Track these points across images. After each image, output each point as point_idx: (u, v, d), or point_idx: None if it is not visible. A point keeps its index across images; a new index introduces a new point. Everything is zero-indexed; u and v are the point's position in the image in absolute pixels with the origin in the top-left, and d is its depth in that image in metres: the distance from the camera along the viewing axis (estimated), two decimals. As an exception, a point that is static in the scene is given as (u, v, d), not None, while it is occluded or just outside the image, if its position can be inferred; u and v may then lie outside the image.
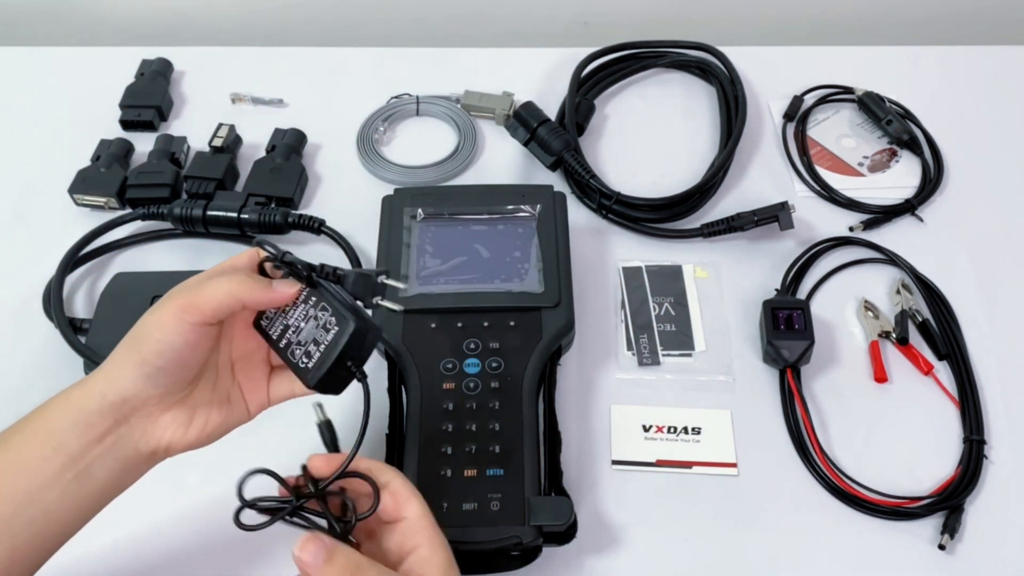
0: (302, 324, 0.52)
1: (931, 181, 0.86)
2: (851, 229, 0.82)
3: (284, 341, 0.53)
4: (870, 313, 0.76)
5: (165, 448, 0.53)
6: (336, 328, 0.51)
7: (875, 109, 0.90)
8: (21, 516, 0.49)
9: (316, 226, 0.79)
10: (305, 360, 0.52)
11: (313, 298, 0.52)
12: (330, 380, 0.52)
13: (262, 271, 0.54)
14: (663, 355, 0.74)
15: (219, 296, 0.50)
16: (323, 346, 0.51)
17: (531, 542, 0.60)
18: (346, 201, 0.85)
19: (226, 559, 0.64)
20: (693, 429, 0.70)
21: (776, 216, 0.79)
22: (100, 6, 1.08)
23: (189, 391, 0.53)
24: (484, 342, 0.69)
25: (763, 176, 0.88)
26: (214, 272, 0.53)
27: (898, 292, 0.77)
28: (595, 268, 0.80)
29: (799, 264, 0.79)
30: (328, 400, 0.54)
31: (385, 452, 0.66)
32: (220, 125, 0.88)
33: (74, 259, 0.78)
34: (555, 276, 0.72)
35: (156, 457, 0.53)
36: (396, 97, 0.93)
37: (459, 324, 0.70)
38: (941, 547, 0.64)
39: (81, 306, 0.78)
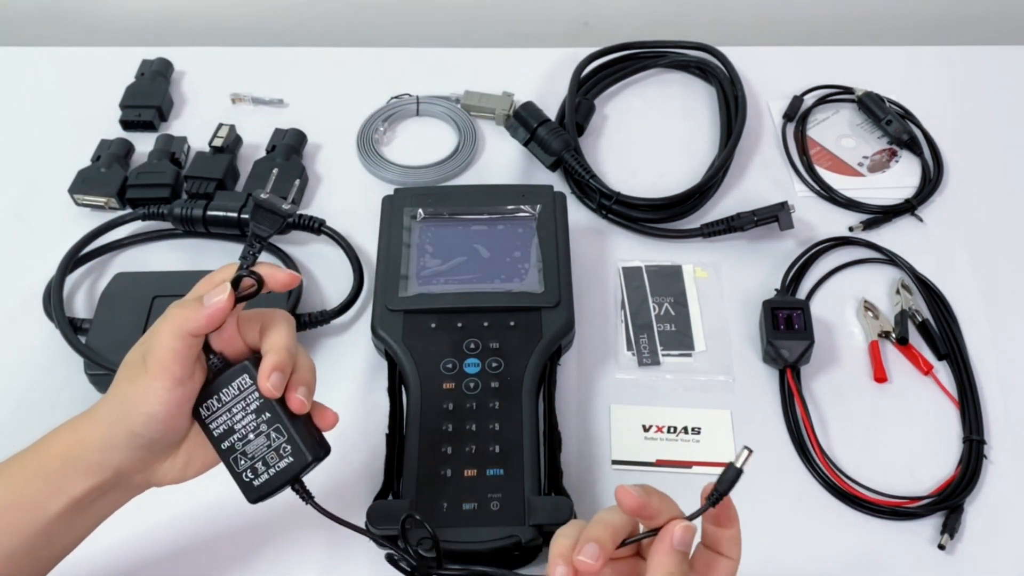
0: (251, 436, 0.51)
1: (931, 181, 0.86)
2: (851, 229, 0.82)
3: (227, 443, 0.51)
4: (870, 313, 0.76)
5: (165, 484, 0.54)
6: (291, 458, 0.51)
7: (875, 109, 0.90)
8: (25, 546, 0.51)
9: (316, 226, 0.79)
10: (250, 475, 0.51)
11: (266, 413, 0.51)
12: (267, 497, 0.52)
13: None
14: (663, 355, 0.74)
15: (168, 346, 0.49)
16: (273, 470, 0.51)
17: (531, 542, 0.60)
18: (346, 201, 0.85)
19: (222, 558, 0.64)
20: (693, 429, 0.70)
21: (776, 216, 0.79)
22: (100, 6, 1.08)
23: (187, 437, 0.53)
24: (484, 342, 0.69)
25: (763, 176, 0.88)
26: (152, 335, 0.51)
27: (898, 292, 0.77)
28: (595, 268, 0.80)
29: (799, 264, 0.79)
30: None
31: (385, 452, 0.67)
32: (220, 125, 0.88)
33: (74, 259, 0.78)
34: (555, 276, 0.72)
35: (151, 487, 0.55)
36: (396, 97, 0.93)
37: (459, 324, 0.70)
38: (941, 547, 0.64)
39: (81, 306, 0.78)
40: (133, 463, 0.51)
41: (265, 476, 0.51)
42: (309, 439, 0.51)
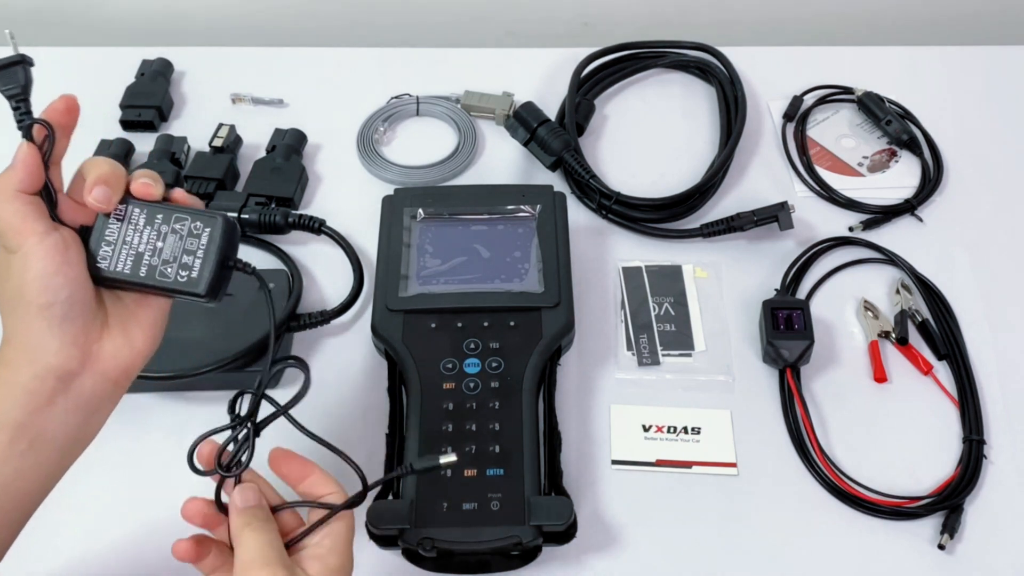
0: (159, 243, 0.50)
1: (931, 181, 0.86)
2: (851, 229, 0.82)
3: (144, 269, 0.50)
4: (870, 313, 0.76)
5: (124, 372, 0.51)
6: (207, 229, 0.50)
7: (875, 109, 0.90)
8: None
9: (316, 226, 0.79)
10: (184, 273, 0.50)
11: (158, 215, 0.50)
12: (218, 283, 0.51)
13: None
14: (663, 355, 0.74)
15: (9, 213, 0.48)
16: (201, 251, 0.50)
17: (531, 542, 0.60)
18: (346, 201, 0.85)
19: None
20: (693, 429, 0.70)
21: (776, 216, 0.79)
22: (100, 6, 1.08)
23: (108, 308, 0.51)
24: (484, 342, 0.69)
25: (763, 176, 0.88)
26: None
27: (898, 292, 0.77)
28: (595, 268, 0.80)
29: (799, 264, 0.80)
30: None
31: (385, 452, 0.67)
32: (220, 125, 0.88)
33: (74, 259, 0.78)
34: (555, 276, 0.72)
35: (120, 386, 0.51)
36: (396, 97, 0.93)
37: (459, 324, 0.70)
38: (941, 547, 0.64)
39: (81, 306, 0.78)
40: (66, 352, 0.48)
41: (198, 261, 0.50)
42: (207, 208, 0.51)
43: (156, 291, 0.51)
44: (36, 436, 0.48)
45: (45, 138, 0.50)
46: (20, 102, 0.50)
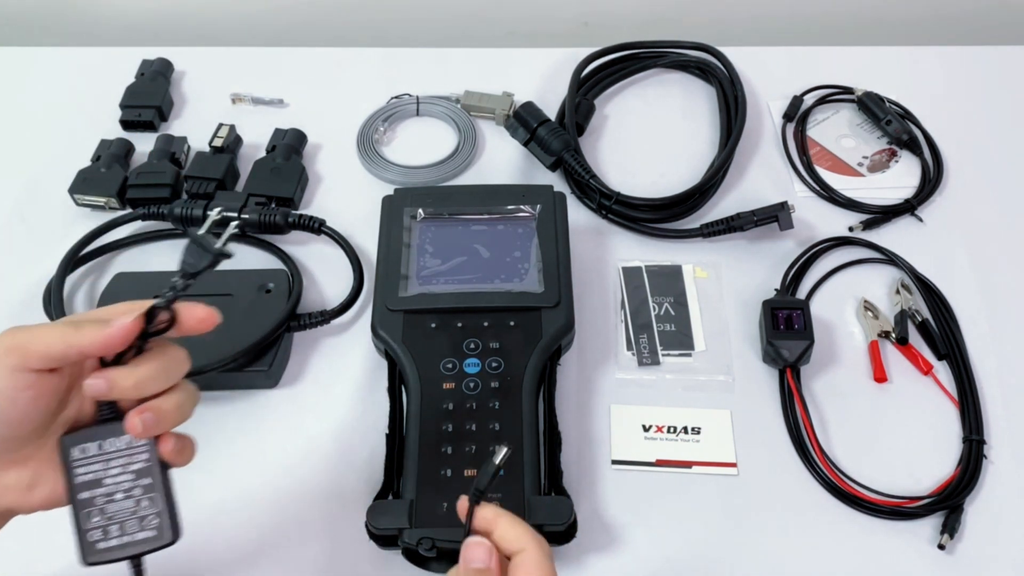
0: (119, 495, 0.47)
1: (931, 181, 0.86)
2: (851, 229, 0.82)
3: (86, 494, 0.47)
4: (870, 313, 0.76)
5: (5, 511, 0.48)
6: (153, 532, 0.47)
7: (875, 109, 0.90)
8: None
9: (316, 226, 0.79)
10: (98, 536, 0.46)
11: (148, 478, 0.47)
12: (105, 564, 0.47)
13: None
14: (663, 355, 0.74)
15: (49, 340, 0.44)
16: (126, 538, 0.47)
17: (531, 542, 0.60)
18: (346, 201, 0.85)
19: (221, 558, 0.64)
20: (693, 429, 0.70)
21: (776, 216, 0.79)
22: (100, 6, 1.08)
23: (33, 449, 0.47)
24: (484, 342, 0.69)
25: (763, 176, 0.88)
26: (79, 317, 0.47)
27: (897, 292, 0.77)
28: (595, 268, 0.80)
29: (799, 264, 0.80)
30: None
31: (385, 452, 0.67)
32: (220, 125, 0.88)
33: (74, 259, 0.78)
34: (555, 276, 0.72)
35: None
36: (396, 97, 0.93)
37: (459, 324, 0.70)
38: (941, 547, 0.64)
39: (82, 306, 0.78)
40: None
41: (115, 542, 0.46)
42: (177, 518, 0.48)
43: (72, 514, 0.47)
44: None
45: (156, 331, 0.46)
46: (186, 283, 0.47)
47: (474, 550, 0.47)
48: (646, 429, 0.70)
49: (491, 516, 0.49)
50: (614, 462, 0.69)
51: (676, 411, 0.71)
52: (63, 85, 0.96)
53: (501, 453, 0.50)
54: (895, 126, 0.89)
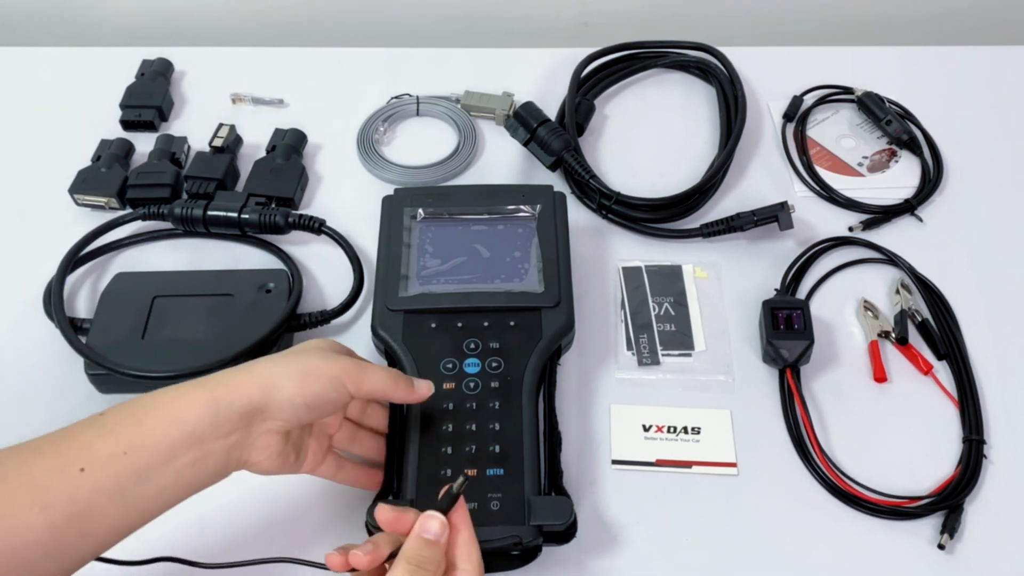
0: None
1: (930, 181, 0.86)
2: (851, 229, 0.82)
3: None
4: (869, 313, 0.76)
5: (244, 466, 0.56)
6: None
7: (874, 109, 0.90)
8: (137, 490, 0.50)
9: (316, 226, 0.79)
10: None
11: None
12: None
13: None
14: (663, 355, 0.74)
15: (379, 384, 0.58)
16: None
17: (531, 542, 0.60)
18: (346, 201, 0.85)
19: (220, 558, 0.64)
20: (693, 429, 0.70)
21: (776, 216, 0.79)
22: (100, 6, 1.08)
23: (320, 434, 0.60)
24: (484, 342, 0.69)
25: (763, 176, 0.88)
26: (367, 364, 0.60)
27: (897, 292, 0.77)
28: (595, 268, 0.80)
29: (799, 264, 0.80)
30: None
31: (385, 452, 0.66)
32: (220, 125, 0.88)
33: (75, 259, 0.78)
34: (555, 276, 0.72)
35: (230, 472, 0.55)
36: (396, 97, 0.93)
37: (459, 324, 0.70)
38: (941, 547, 0.64)
39: (82, 306, 0.78)
40: (272, 417, 0.54)
41: None
42: None
43: None
44: (199, 458, 0.52)
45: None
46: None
47: (430, 522, 0.51)
48: (646, 429, 0.70)
49: (459, 522, 0.53)
50: (614, 462, 0.69)
51: (676, 411, 0.71)
52: (63, 85, 0.96)
53: (457, 482, 0.53)
54: (895, 126, 0.89)
